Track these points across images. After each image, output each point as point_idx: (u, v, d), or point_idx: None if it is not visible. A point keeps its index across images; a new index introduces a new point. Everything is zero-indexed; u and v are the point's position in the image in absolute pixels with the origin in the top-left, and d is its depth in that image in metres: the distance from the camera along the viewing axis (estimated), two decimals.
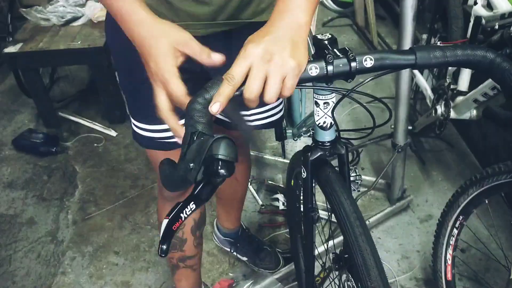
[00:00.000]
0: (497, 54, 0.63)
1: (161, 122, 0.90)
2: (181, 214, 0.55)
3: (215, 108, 0.59)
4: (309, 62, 0.65)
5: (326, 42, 0.68)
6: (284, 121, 1.82)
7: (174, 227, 0.55)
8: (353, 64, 0.64)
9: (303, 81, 0.65)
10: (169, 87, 0.66)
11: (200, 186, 0.55)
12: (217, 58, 0.67)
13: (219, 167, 0.53)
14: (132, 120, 1.03)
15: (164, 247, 0.55)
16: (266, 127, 1.17)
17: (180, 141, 0.62)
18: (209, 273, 1.64)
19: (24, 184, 2.10)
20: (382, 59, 0.65)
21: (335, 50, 0.66)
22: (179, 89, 0.65)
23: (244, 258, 1.64)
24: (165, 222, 0.56)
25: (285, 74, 0.61)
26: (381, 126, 0.77)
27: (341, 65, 0.65)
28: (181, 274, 1.33)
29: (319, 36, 0.69)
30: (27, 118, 2.56)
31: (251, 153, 2.14)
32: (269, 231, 1.79)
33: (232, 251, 1.65)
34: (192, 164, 0.54)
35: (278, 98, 0.65)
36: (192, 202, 0.55)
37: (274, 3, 0.71)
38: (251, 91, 0.61)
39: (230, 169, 0.53)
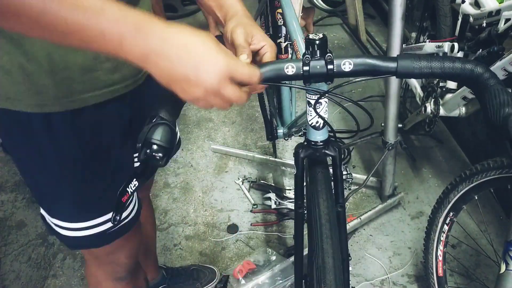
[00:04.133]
0: (486, 70, 0.60)
1: (94, 216, 0.88)
2: (127, 189, 0.61)
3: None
4: (287, 60, 0.67)
5: (317, 42, 0.68)
6: (275, 120, 1.82)
7: (123, 200, 0.61)
8: (330, 66, 0.64)
9: (281, 79, 0.67)
10: (249, 77, 0.60)
11: (141, 165, 0.60)
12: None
13: (153, 151, 0.57)
14: (51, 219, 0.88)
15: (117, 217, 0.62)
16: None
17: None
18: None
19: (14, 186, 2.08)
20: (361, 64, 0.64)
21: (317, 51, 0.66)
22: (253, 71, 0.61)
23: None
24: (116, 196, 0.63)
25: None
26: (364, 130, 0.78)
27: (318, 67, 0.65)
28: None
29: (311, 36, 0.69)
30: None
31: (242, 152, 2.14)
32: (262, 230, 1.79)
33: None
34: (139, 145, 0.59)
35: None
36: (135, 179, 0.61)
37: None
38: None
39: (162, 153, 0.58)
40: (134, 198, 0.97)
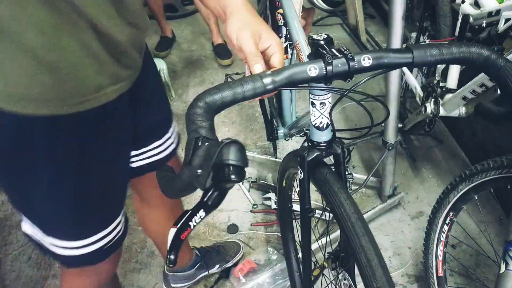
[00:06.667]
0: (492, 51, 0.63)
1: (94, 232, 0.83)
2: (190, 223, 0.53)
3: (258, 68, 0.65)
4: (308, 62, 0.65)
5: (322, 42, 0.68)
6: (275, 121, 1.82)
7: (183, 236, 0.53)
8: (352, 63, 0.64)
9: (302, 82, 0.65)
10: None
11: (209, 193, 0.53)
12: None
13: (230, 173, 0.50)
14: (45, 238, 0.80)
15: (172, 257, 0.53)
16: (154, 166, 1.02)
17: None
18: None
19: None
20: (380, 58, 0.65)
21: (332, 50, 0.66)
22: None
23: (217, 267, 1.60)
24: (172, 231, 0.53)
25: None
26: (378, 125, 0.78)
27: (339, 65, 0.64)
28: None
29: (315, 36, 0.69)
30: None
31: None
32: (262, 230, 1.79)
33: (207, 271, 1.58)
34: (200, 171, 0.51)
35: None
36: (202, 210, 0.54)
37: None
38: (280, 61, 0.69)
39: (240, 174, 0.51)
40: (123, 211, 0.93)
